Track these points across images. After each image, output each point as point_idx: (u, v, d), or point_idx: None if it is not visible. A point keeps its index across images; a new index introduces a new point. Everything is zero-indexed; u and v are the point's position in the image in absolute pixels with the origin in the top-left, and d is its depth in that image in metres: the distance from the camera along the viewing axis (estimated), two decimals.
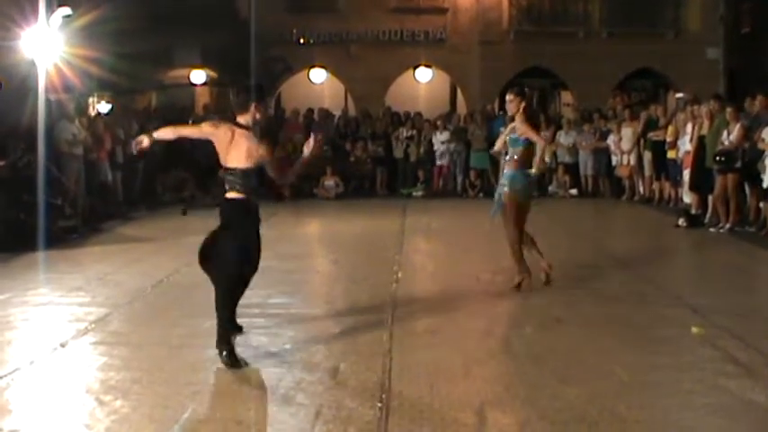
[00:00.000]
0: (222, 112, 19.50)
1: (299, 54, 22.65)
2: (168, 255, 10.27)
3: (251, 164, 5.89)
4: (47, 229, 10.86)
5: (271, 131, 18.44)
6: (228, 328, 5.84)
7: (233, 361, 5.61)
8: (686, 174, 13.46)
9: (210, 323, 6.64)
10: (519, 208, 7.78)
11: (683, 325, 6.48)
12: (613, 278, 8.55)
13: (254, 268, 6.18)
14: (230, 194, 5.96)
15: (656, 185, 15.73)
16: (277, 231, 12.44)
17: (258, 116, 5.99)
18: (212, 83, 22.19)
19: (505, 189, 7.81)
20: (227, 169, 5.94)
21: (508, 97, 8.11)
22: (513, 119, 8.05)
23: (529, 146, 7.83)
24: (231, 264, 5.93)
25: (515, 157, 7.81)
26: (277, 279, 8.45)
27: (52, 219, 11.30)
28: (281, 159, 6.57)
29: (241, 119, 5.97)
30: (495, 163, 17.61)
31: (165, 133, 6.33)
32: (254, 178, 6.00)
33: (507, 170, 7.88)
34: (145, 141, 6.22)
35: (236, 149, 5.87)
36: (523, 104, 7.92)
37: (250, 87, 6.14)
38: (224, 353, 5.65)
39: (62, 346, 6.09)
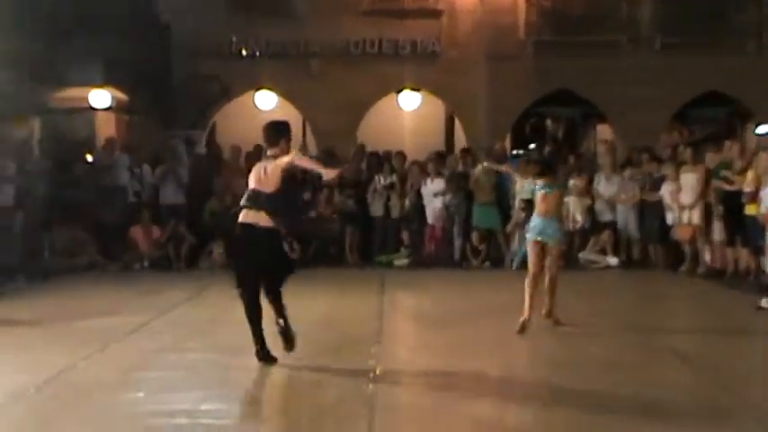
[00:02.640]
0: (135, 148, 19.70)
1: (241, 71, 22.93)
2: (60, 344, 10.27)
3: (276, 187, 8.78)
4: None
5: (201, 177, 18.62)
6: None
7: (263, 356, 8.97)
8: None
9: None
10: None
11: None
12: (673, 384, 8.58)
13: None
14: (267, 222, 8.81)
15: (729, 253, 15.94)
16: (211, 312, 12.54)
17: (286, 150, 9.07)
18: (120, 108, 22.29)
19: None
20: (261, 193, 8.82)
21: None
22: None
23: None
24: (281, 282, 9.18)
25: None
26: (211, 378, 8.52)
27: None
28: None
29: (270, 152, 9.06)
30: (505, 221, 17.87)
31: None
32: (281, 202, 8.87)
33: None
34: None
35: (269, 177, 8.85)
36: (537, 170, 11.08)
37: (278, 123, 9.52)
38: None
39: None
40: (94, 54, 20.85)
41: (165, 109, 22.63)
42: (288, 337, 9.12)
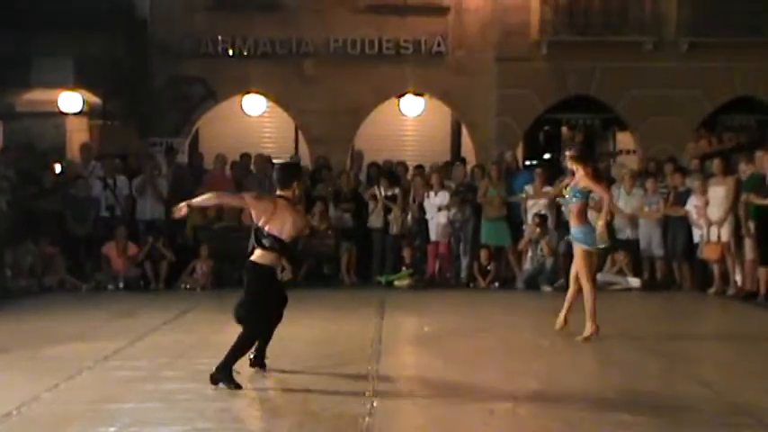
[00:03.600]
0: (109, 157, 19.65)
1: (227, 72, 22.94)
2: (22, 373, 10.18)
3: (291, 235, 9.53)
4: None
5: (182, 188, 18.57)
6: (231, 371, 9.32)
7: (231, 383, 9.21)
8: None
9: None
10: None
11: None
12: (697, 410, 8.62)
13: (279, 318, 10.01)
14: (261, 259, 9.53)
15: (761, 273, 15.93)
16: (194, 336, 12.51)
17: (297, 192, 9.82)
18: (93, 112, 22.26)
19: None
20: (266, 234, 9.47)
21: (569, 153, 12.32)
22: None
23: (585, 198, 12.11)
24: (251, 324, 9.56)
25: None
26: (192, 410, 8.45)
27: None
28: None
29: (282, 193, 9.67)
30: (516, 237, 17.88)
31: (207, 200, 10.20)
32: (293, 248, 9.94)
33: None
34: (183, 209, 9.82)
35: (278, 220, 9.44)
36: (588, 169, 12.01)
37: (292, 166, 10.97)
38: (224, 379, 9.19)
39: None
40: (65, 53, 20.82)
41: (142, 114, 22.62)
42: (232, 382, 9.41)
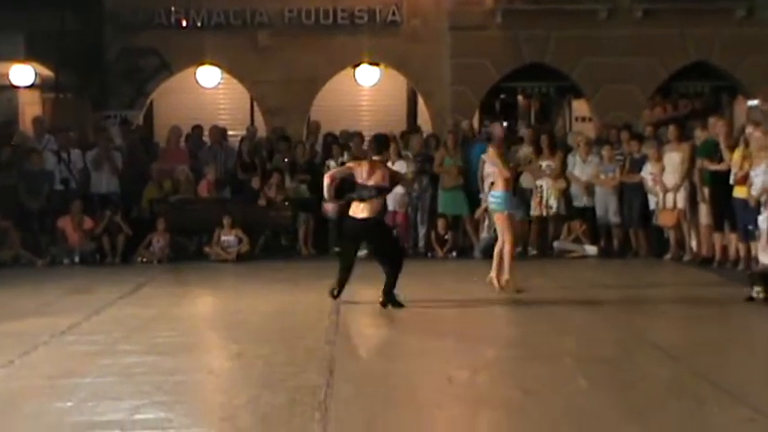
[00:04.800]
0: (62, 130, 19.49)
1: (181, 44, 22.78)
2: None
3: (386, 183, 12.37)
4: None
5: (136, 161, 18.45)
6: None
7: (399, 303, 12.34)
8: (763, 221, 13.80)
9: None
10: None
11: None
12: (653, 375, 8.68)
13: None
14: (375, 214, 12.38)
15: (716, 239, 16.07)
16: (151, 310, 12.49)
17: (387, 159, 13.30)
18: (45, 85, 22.08)
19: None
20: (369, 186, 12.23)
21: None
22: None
23: None
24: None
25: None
26: (149, 384, 8.42)
27: None
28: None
29: (376, 158, 12.53)
30: (473, 206, 17.92)
31: (329, 185, 12.74)
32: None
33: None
34: (331, 208, 13.32)
35: (376, 175, 12.20)
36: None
37: (386, 137, 13.47)
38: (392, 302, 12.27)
39: None
40: (15, 25, 20.62)
41: (96, 86, 22.45)
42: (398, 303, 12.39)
